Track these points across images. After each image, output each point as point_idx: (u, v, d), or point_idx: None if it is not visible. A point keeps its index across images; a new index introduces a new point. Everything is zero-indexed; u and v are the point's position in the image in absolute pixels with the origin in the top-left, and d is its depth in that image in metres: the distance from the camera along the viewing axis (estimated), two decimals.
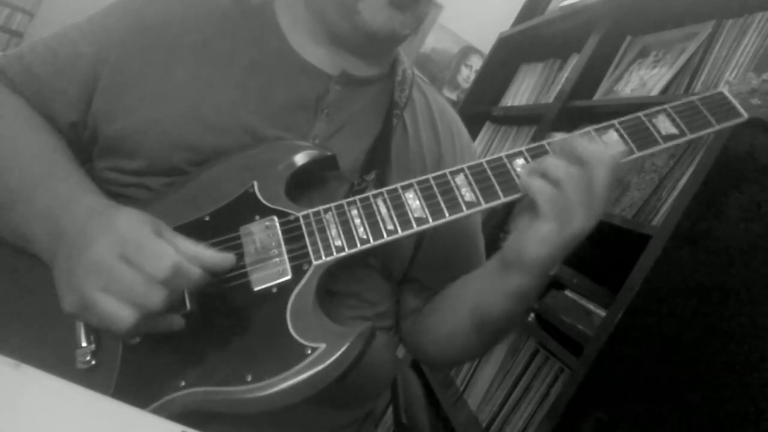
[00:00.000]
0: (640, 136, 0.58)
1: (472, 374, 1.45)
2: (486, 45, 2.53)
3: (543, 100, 1.82)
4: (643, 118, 0.59)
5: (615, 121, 0.59)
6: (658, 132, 0.58)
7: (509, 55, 2.16)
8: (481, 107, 2.15)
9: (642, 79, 1.32)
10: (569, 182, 0.50)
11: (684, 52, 1.23)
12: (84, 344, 0.52)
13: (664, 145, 0.58)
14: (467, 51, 4.03)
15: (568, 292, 1.15)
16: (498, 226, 1.56)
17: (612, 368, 0.94)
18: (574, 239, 0.51)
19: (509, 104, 2.06)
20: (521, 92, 2.01)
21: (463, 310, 0.64)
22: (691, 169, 1.05)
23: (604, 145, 0.55)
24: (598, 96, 1.46)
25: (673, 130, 0.59)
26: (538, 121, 1.61)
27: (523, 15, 2.17)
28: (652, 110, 0.60)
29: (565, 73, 1.70)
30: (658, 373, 0.95)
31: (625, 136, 0.58)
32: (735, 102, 0.61)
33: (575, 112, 1.48)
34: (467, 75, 4.02)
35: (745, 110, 0.61)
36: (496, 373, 1.35)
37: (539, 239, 0.52)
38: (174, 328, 0.49)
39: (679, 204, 0.92)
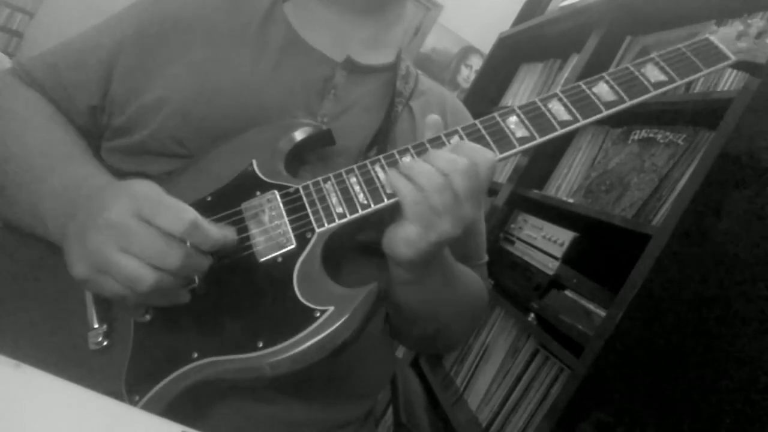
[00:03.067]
0: (631, 85, 0.60)
1: (472, 374, 1.45)
2: (486, 45, 2.53)
3: None
4: (632, 68, 0.61)
5: (604, 74, 0.60)
6: (648, 80, 0.60)
7: (509, 55, 2.16)
8: (481, 107, 2.14)
9: None
10: (432, 189, 0.50)
11: None
12: (96, 325, 0.53)
13: (654, 92, 0.59)
14: (467, 51, 4.03)
15: (568, 292, 1.15)
16: (498, 225, 1.57)
17: (612, 368, 0.94)
18: (441, 243, 0.53)
19: (509, 104, 2.06)
20: (521, 92, 2.01)
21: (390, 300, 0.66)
22: (691, 169, 1.05)
23: (474, 152, 0.53)
24: None
25: (662, 77, 0.60)
26: None
27: (523, 15, 2.17)
28: (640, 60, 0.61)
29: (565, 73, 1.70)
30: (658, 373, 0.95)
31: (615, 87, 0.59)
32: (721, 46, 0.63)
33: None
34: (467, 75, 4.02)
35: (732, 54, 0.62)
36: (496, 373, 1.35)
37: (405, 240, 0.53)
38: (180, 302, 0.51)
39: (679, 204, 0.92)
